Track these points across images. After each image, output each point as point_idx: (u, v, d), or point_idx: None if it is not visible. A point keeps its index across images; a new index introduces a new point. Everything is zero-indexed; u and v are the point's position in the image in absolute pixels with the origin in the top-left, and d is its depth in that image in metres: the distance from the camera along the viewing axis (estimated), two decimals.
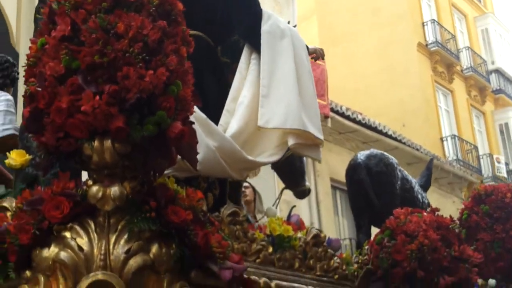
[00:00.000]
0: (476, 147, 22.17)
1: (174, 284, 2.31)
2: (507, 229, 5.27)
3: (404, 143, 15.85)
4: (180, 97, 2.48)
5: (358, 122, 14.49)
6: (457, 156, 20.74)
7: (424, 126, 19.87)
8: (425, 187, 5.77)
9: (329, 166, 13.26)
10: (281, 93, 3.41)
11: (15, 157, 3.11)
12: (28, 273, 2.32)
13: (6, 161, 3.16)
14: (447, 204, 15.40)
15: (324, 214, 13.52)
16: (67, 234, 2.28)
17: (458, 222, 5.49)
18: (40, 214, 2.32)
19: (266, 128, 3.42)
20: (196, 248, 2.42)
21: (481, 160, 22.30)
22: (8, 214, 2.62)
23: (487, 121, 24.12)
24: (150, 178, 2.45)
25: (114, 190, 2.29)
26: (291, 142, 3.47)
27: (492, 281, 5.22)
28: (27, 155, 3.13)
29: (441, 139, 20.95)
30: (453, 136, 21.23)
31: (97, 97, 2.30)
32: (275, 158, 3.52)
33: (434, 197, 17.00)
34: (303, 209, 12.33)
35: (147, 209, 2.34)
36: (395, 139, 15.58)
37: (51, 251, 2.27)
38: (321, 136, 3.60)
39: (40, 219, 2.32)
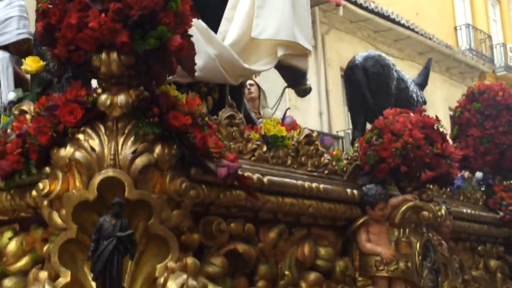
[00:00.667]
0: (490, 37, 21.97)
1: (175, 180, 2.65)
2: (496, 125, 5.55)
3: (417, 32, 15.67)
4: (179, 13, 2.72)
5: (371, 11, 14.20)
6: (470, 45, 20.62)
7: (438, 15, 19.66)
8: (422, 85, 6.00)
9: (340, 55, 13.29)
10: (275, 4, 3.62)
11: (31, 63, 3.40)
12: (47, 169, 2.67)
13: (22, 67, 3.45)
14: (457, 94, 15.59)
15: (333, 104, 13.70)
16: (81, 137, 2.61)
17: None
18: (56, 119, 2.64)
19: (259, 39, 3.67)
20: (194, 149, 2.74)
21: (494, 50, 22.16)
22: (28, 116, 2.96)
23: (503, 10, 23.77)
24: (153, 87, 2.74)
25: (121, 98, 2.59)
26: (280, 52, 3.72)
27: (479, 174, 5.58)
28: (41, 61, 3.41)
29: (455, 28, 20.76)
30: (467, 25, 21.00)
31: (103, 15, 2.55)
32: (269, 66, 3.78)
33: (445, 87, 17.16)
34: (312, 99, 12.55)
35: (151, 115, 2.65)
36: (408, 28, 15.36)
37: (67, 151, 2.60)
38: (309, 47, 3.85)
39: (56, 123, 2.64)
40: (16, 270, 2.83)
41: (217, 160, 2.83)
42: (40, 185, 2.60)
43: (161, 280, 2.44)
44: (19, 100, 3.44)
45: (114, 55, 2.59)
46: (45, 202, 2.62)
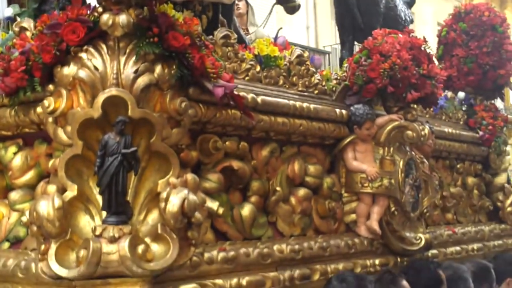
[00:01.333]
0: None
1: (175, 99, 2.74)
2: (481, 46, 5.64)
3: None
4: None
5: None
6: None
7: None
8: (410, 3, 6.04)
9: None
10: None
11: None
12: (51, 87, 2.75)
13: None
14: (447, 8, 15.45)
15: (320, 18, 13.54)
16: (84, 56, 2.67)
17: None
18: (59, 37, 2.69)
19: None
20: (193, 69, 2.82)
21: None
22: (28, 34, 3.00)
23: None
24: (152, 6, 2.78)
25: (122, 18, 2.64)
26: None
27: (461, 94, 5.73)
28: None
29: None
30: None
31: None
32: None
33: (435, 0, 17.02)
34: (299, 12, 12.39)
35: (151, 35, 2.70)
36: None
37: (71, 70, 2.67)
38: None
39: (59, 41, 2.70)
40: (22, 184, 2.95)
41: (214, 80, 2.92)
42: (46, 102, 2.68)
43: (164, 194, 2.56)
44: (16, 16, 3.46)
45: None
46: (50, 119, 2.71)
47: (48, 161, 2.91)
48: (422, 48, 4.15)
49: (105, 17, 2.63)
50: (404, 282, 3.45)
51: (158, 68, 2.72)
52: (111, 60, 2.66)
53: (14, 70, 2.75)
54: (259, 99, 3.25)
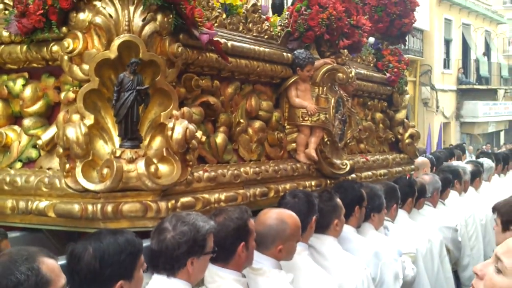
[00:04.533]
0: None
1: (172, 44, 3.25)
2: None
3: None
4: None
5: None
6: None
7: None
8: None
9: None
10: None
11: None
12: (65, 29, 3.17)
13: None
14: None
15: None
16: (97, 4, 3.11)
17: None
18: None
19: None
20: (185, 18, 3.33)
21: None
22: None
23: None
24: None
25: None
26: None
27: (371, 39, 6.48)
28: None
29: None
30: None
31: None
32: None
33: None
34: None
35: None
36: None
37: (87, 15, 3.11)
38: None
39: None
40: (33, 112, 3.38)
41: (201, 28, 3.45)
42: (65, 43, 3.11)
43: (170, 124, 3.10)
44: None
45: None
46: (66, 57, 3.14)
47: (56, 93, 3.35)
48: (352, 1, 4.83)
49: None
50: (338, 199, 4.20)
51: (159, 17, 3.21)
52: (122, 9, 3.12)
53: (33, 12, 3.15)
54: (229, 44, 3.80)
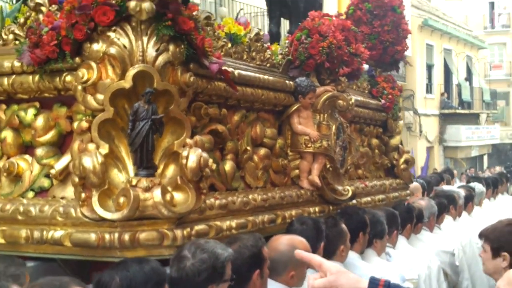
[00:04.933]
0: None
1: (184, 74, 3.30)
2: (382, 24, 6.50)
3: None
4: None
5: None
6: None
7: None
8: None
9: None
10: None
11: None
12: (78, 60, 3.21)
13: None
14: None
15: None
16: (111, 34, 3.16)
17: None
18: (88, 17, 3.15)
19: None
20: (196, 48, 3.39)
21: None
22: (43, 9, 3.42)
23: None
24: None
25: (147, 4, 3.15)
26: None
27: (365, 66, 6.57)
28: None
29: None
30: None
31: None
32: None
33: None
34: None
35: (166, 19, 3.23)
36: None
37: (101, 46, 3.15)
38: None
39: (88, 20, 3.16)
40: (45, 141, 3.40)
41: (210, 57, 3.50)
42: (80, 73, 3.15)
43: (184, 153, 3.13)
44: None
45: None
46: (80, 87, 3.18)
47: (68, 122, 3.38)
48: (351, 30, 4.92)
49: (133, 4, 3.12)
50: (343, 225, 4.24)
51: (171, 47, 3.26)
52: (136, 40, 3.17)
53: (47, 43, 3.19)
54: (236, 73, 3.86)
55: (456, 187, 8.66)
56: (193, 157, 3.14)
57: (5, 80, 3.44)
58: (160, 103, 3.22)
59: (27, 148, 3.52)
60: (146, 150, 3.08)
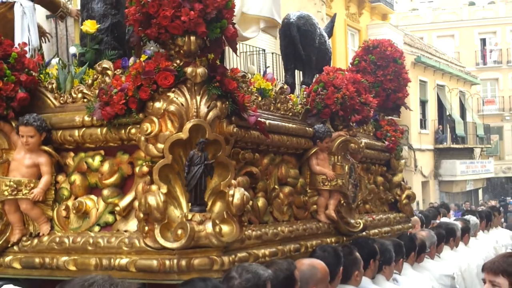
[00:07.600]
0: None
1: (229, 126, 3.96)
2: (385, 74, 7.19)
3: None
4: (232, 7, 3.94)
5: None
6: None
7: None
8: (329, 35, 7.50)
9: None
10: None
11: (90, 26, 4.43)
12: (141, 115, 3.87)
13: (83, 27, 4.47)
14: None
15: None
16: (171, 95, 3.81)
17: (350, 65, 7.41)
18: (151, 81, 3.81)
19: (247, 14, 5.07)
20: (238, 104, 4.05)
21: None
22: (109, 72, 4.09)
23: None
24: (215, 61, 3.97)
25: (201, 70, 3.81)
26: (262, 25, 5.16)
27: None
28: (97, 24, 4.46)
29: None
30: None
31: (191, 12, 3.71)
32: (255, 34, 5.19)
33: None
34: None
35: (214, 81, 3.90)
36: None
37: (162, 104, 3.81)
38: (280, 21, 5.29)
39: (151, 83, 3.81)
40: (110, 184, 4.03)
41: (249, 112, 4.17)
42: (144, 127, 3.80)
43: (231, 192, 3.77)
44: (81, 54, 4.49)
45: (193, 38, 3.79)
46: (143, 138, 3.82)
47: (129, 167, 4.02)
48: (361, 82, 5.61)
49: (190, 69, 3.79)
50: (356, 253, 4.87)
51: (219, 104, 3.92)
52: (191, 98, 3.82)
53: (116, 102, 3.84)
54: (267, 122, 4.52)
55: (452, 220, 9.30)
56: (237, 195, 3.78)
57: (76, 132, 4.08)
58: (209, 150, 3.86)
59: (91, 189, 4.14)
60: (200, 189, 3.72)
